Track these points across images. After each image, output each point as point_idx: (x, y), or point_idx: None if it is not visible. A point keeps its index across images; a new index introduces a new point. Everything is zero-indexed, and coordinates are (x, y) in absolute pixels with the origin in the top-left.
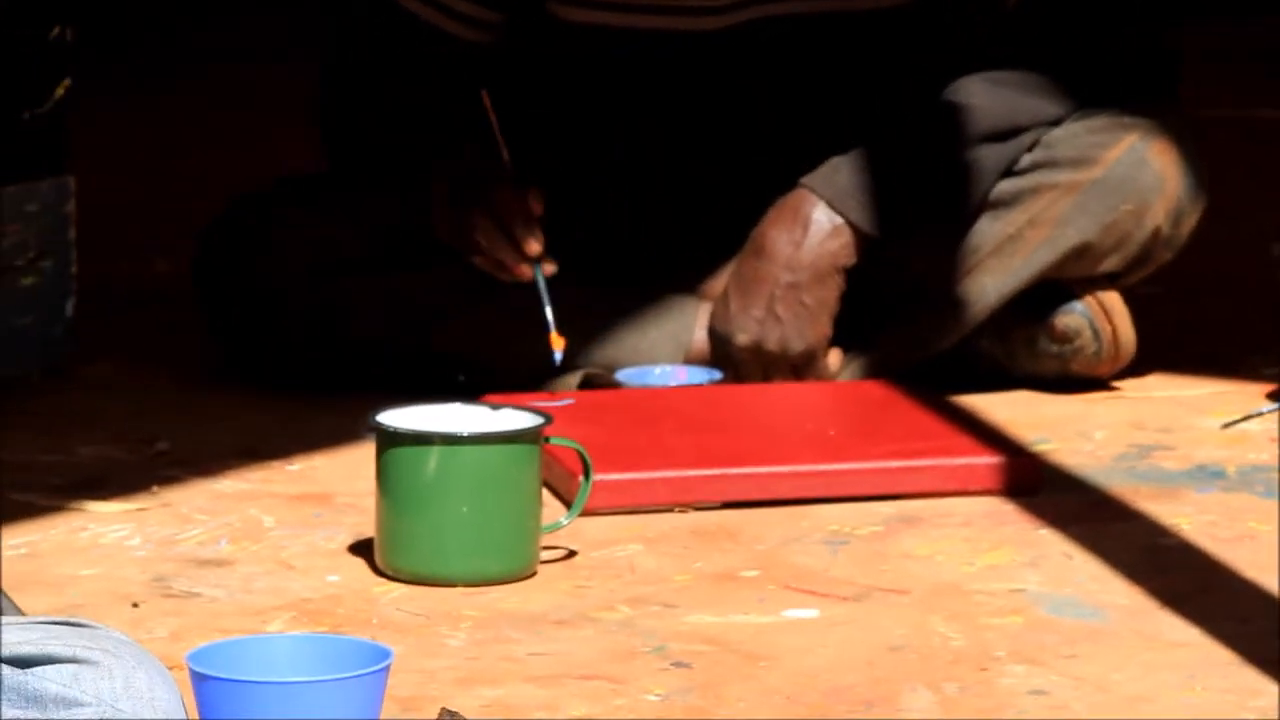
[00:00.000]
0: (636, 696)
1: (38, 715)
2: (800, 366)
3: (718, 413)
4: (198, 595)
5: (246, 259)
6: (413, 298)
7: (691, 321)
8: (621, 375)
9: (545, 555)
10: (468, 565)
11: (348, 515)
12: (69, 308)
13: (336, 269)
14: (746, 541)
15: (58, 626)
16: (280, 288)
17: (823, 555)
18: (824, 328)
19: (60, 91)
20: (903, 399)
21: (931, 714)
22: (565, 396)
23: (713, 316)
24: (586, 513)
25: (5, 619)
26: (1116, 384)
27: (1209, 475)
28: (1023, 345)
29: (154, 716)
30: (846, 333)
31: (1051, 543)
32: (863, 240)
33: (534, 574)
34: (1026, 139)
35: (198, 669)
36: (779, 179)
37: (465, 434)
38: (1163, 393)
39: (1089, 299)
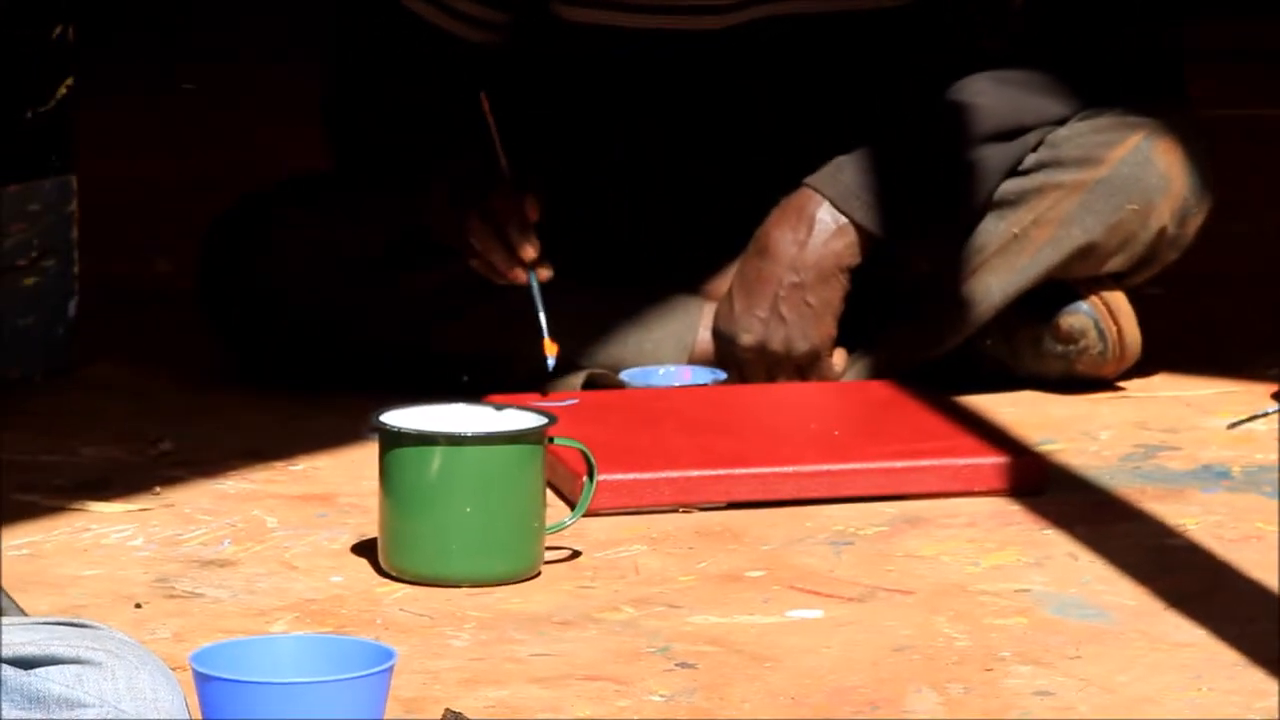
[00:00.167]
0: (641, 697)
1: (41, 716)
2: (804, 367)
3: (722, 413)
4: (201, 596)
5: (248, 259)
6: (415, 298)
7: (695, 322)
8: (625, 375)
9: (549, 556)
10: (471, 566)
11: (351, 516)
12: (71, 308)
13: (338, 269)
14: (751, 542)
15: (61, 627)
16: (282, 288)
17: (827, 556)
18: (828, 328)
19: (63, 91)
20: (907, 399)
21: (936, 715)
22: (569, 397)
23: (717, 316)
24: (590, 513)
25: (8, 620)
26: (1122, 384)
27: (1214, 475)
28: (1028, 345)
29: (157, 717)
30: (851, 333)
31: (1057, 543)
32: (867, 240)
33: (538, 574)
34: (1031, 138)
35: (201, 670)
36: (782, 178)
37: (469, 434)
38: (1168, 393)
39: (1094, 299)
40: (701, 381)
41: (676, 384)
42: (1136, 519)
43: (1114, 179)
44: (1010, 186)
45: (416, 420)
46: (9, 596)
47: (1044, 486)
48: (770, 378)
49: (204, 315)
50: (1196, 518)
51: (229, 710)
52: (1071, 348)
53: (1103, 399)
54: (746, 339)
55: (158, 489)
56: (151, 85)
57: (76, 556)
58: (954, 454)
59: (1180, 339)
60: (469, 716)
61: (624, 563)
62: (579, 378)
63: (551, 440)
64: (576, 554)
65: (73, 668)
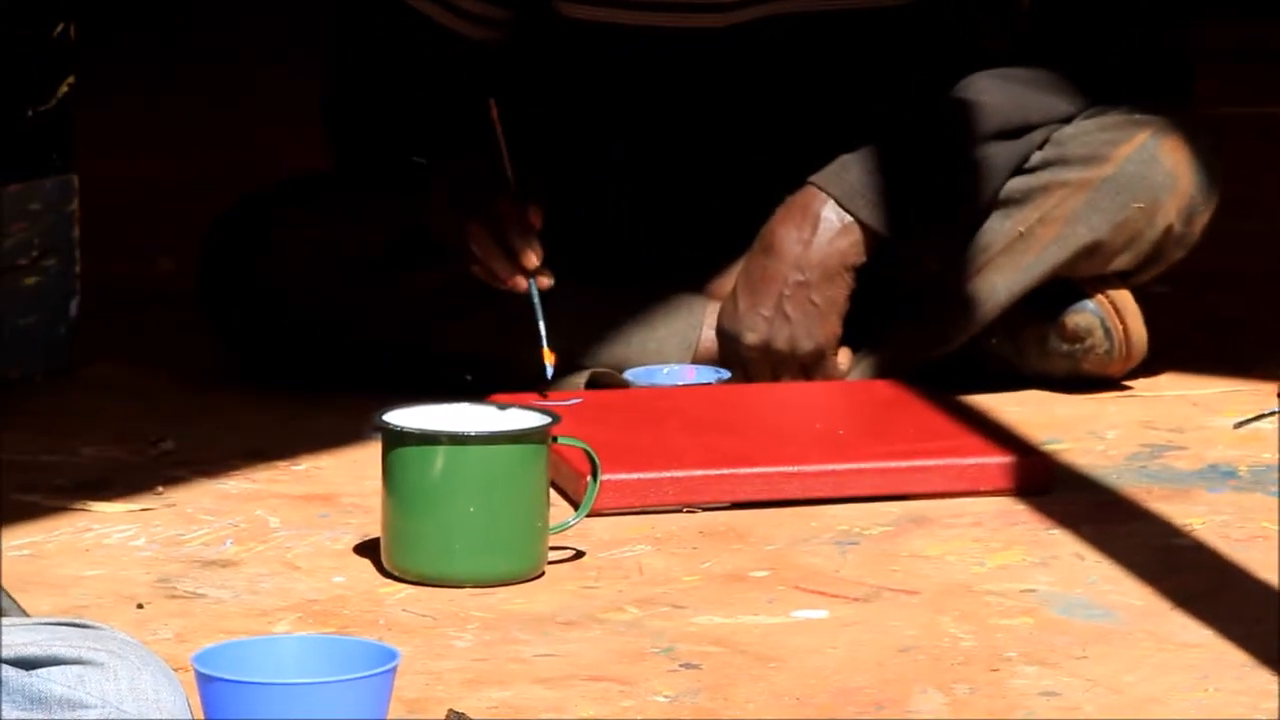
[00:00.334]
0: (645, 698)
1: (43, 717)
2: (809, 366)
3: (726, 412)
4: (203, 596)
5: (248, 259)
6: (416, 297)
7: (699, 320)
8: (629, 375)
9: (553, 556)
10: (475, 566)
11: (354, 516)
12: (73, 307)
13: (339, 269)
14: (755, 542)
15: (62, 628)
16: (282, 288)
17: (832, 556)
18: (833, 327)
19: (63, 90)
20: (912, 398)
21: (942, 715)
22: (572, 396)
23: (721, 315)
24: (594, 513)
25: (9, 620)
26: (1128, 383)
27: (1221, 475)
28: (1033, 344)
29: (159, 718)
30: (856, 332)
31: (1063, 543)
32: (872, 239)
33: (541, 574)
34: (1037, 136)
35: (203, 670)
36: (786, 177)
37: (472, 434)
38: (1174, 392)
39: (1100, 298)
40: (706, 381)
41: (680, 383)
42: (1143, 519)
43: (1120, 177)
44: (1016, 185)
45: (419, 420)
46: (10, 597)
47: (1050, 486)
48: (775, 377)
49: (204, 315)
50: (1203, 517)
51: (231, 711)
52: (1077, 346)
53: (1109, 398)
54: (751, 338)
55: (159, 489)
56: (151, 85)
57: (78, 557)
58: (959, 453)
59: (1186, 338)
60: (472, 717)
61: (628, 563)
62: (582, 377)
63: (555, 440)
64: (580, 554)
65: (75, 668)
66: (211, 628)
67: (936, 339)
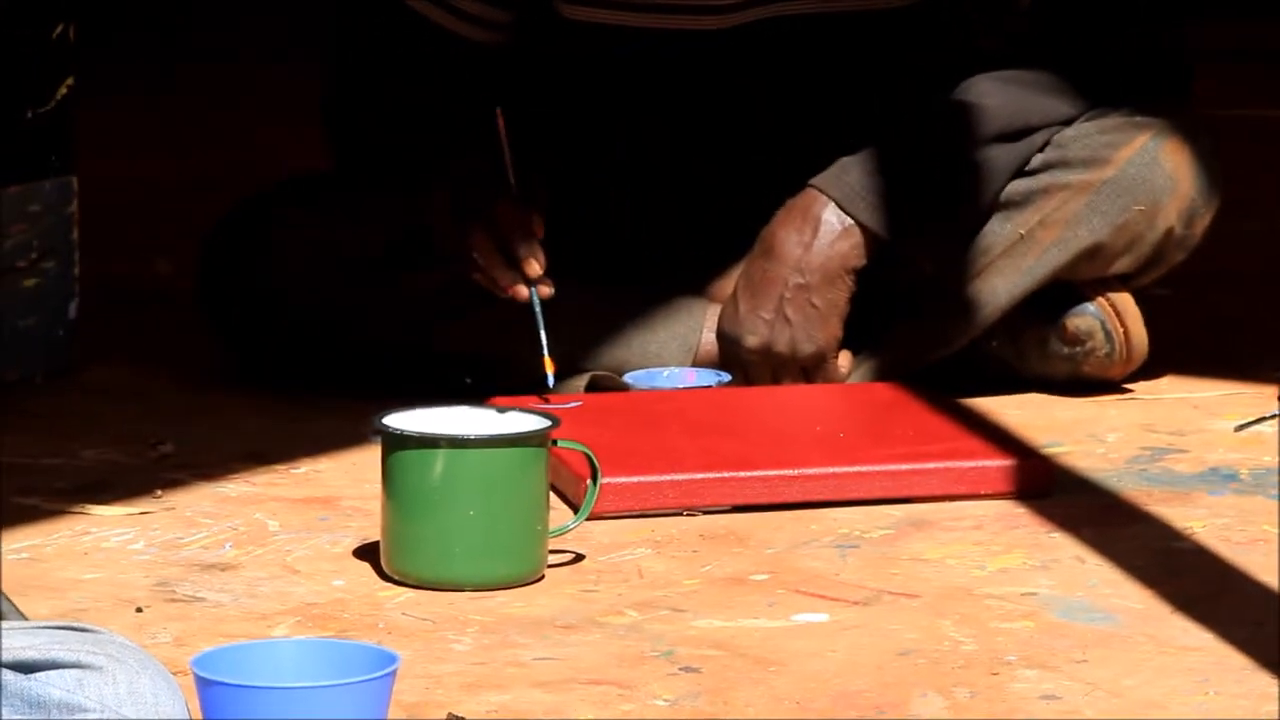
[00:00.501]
0: (645, 702)
1: None
2: (810, 369)
3: (726, 415)
4: (202, 600)
5: (249, 260)
6: (417, 298)
7: (700, 323)
8: (629, 377)
9: (552, 559)
10: (474, 569)
11: (353, 519)
12: (72, 309)
13: (339, 269)
14: (755, 545)
15: (61, 631)
16: (282, 288)
17: (832, 559)
18: (834, 329)
19: (63, 91)
20: (913, 401)
21: (942, 719)
22: (572, 399)
23: (721, 318)
24: (594, 516)
25: (8, 624)
26: (1128, 386)
27: (1222, 478)
28: (1034, 347)
29: None
30: (856, 335)
31: (1063, 546)
32: (873, 241)
33: (541, 578)
34: (1038, 139)
35: (202, 674)
36: (786, 179)
37: (472, 437)
38: (1175, 395)
39: (1101, 300)
40: (706, 383)
41: (681, 386)
42: (1143, 522)
43: (1121, 179)
44: (1017, 187)
45: (419, 423)
46: (9, 600)
47: (1050, 489)
48: (775, 380)
49: (205, 316)
50: (1204, 520)
51: (230, 714)
52: (1078, 349)
53: (1109, 401)
54: (751, 341)
55: (158, 492)
56: (151, 85)
57: (77, 560)
58: (960, 456)
59: (1187, 340)
60: None
61: (628, 566)
62: (582, 380)
63: (555, 443)
64: (580, 557)
65: (73, 672)
66: (210, 631)
67: (937, 342)
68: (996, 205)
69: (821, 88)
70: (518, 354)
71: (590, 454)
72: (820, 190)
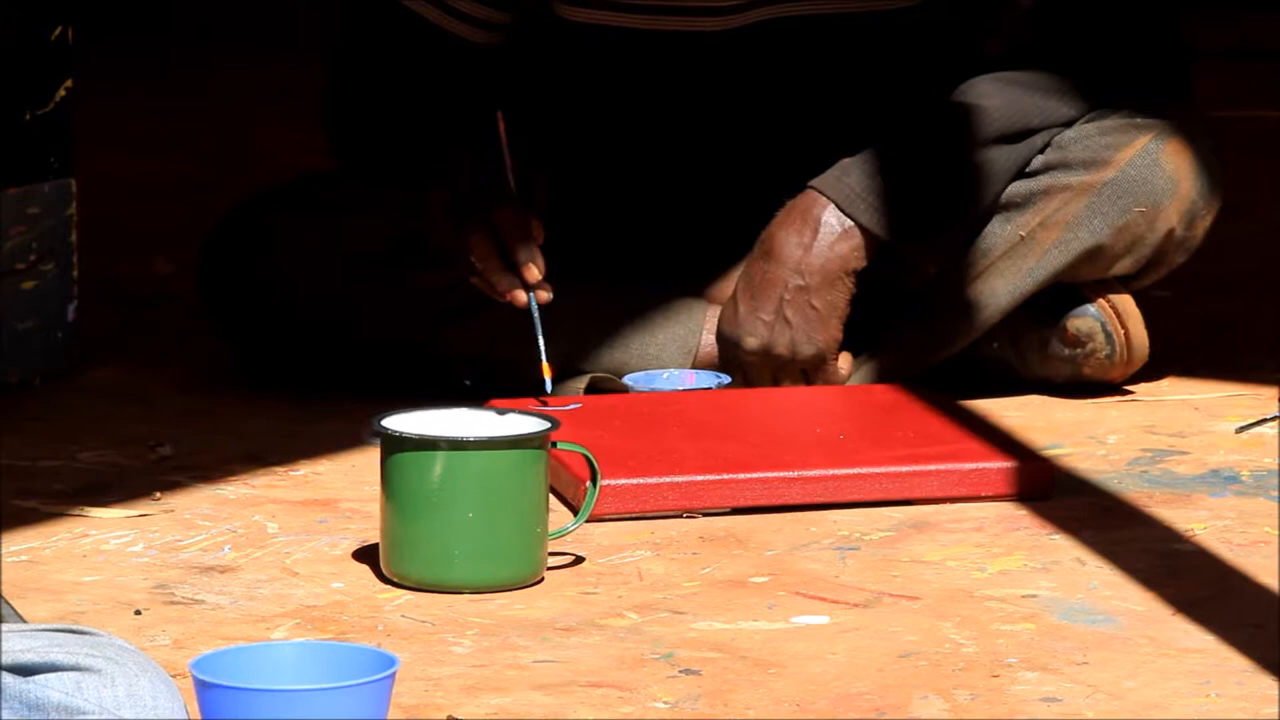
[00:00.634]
0: (645, 704)
1: None
2: (809, 370)
3: (726, 417)
4: (201, 602)
5: (250, 259)
6: (418, 299)
7: (699, 325)
8: (629, 379)
9: (552, 561)
10: (474, 571)
11: (352, 521)
12: (70, 312)
13: (340, 270)
14: (755, 547)
15: (60, 634)
16: (283, 288)
17: (832, 561)
18: (834, 331)
19: (61, 92)
20: (913, 403)
21: None
22: (572, 401)
23: (721, 320)
24: (594, 518)
25: (7, 627)
26: (1129, 387)
27: (1223, 480)
28: (1035, 349)
29: None
30: (856, 336)
31: (1064, 548)
32: (873, 243)
33: (541, 580)
34: (1038, 140)
35: (201, 677)
36: (787, 181)
37: (471, 439)
38: (1176, 396)
39: (1101, 302)
40: (705, 385)
41: (680, 388)
42: (1144, 524)
43: (1122, 181)
44: (1017, 189)
45: (418, 425)
46: (8, 603)
47: (1051, 491)
48: (775, 382)
49: (206, 315)
50: (1205, 522)
51: (230, 717)
52: (1079, 351)
53: (1110, 403)
54: (751, 342)
55: (158, 494)
56: (151, 85)
57: (76, 562)
58: (960, 458)
59: (1188, 342)
60: None
61: (627, 568)
62: (582, 381)
63: (554, 445)
64: (580, 560)
65: (72, 675)
66: (210, 634)
67: (937, 343)
68: (997, 207)
69: (821, 89)
70: (518, 356)
71: (590, 456)
72: (820, 192)
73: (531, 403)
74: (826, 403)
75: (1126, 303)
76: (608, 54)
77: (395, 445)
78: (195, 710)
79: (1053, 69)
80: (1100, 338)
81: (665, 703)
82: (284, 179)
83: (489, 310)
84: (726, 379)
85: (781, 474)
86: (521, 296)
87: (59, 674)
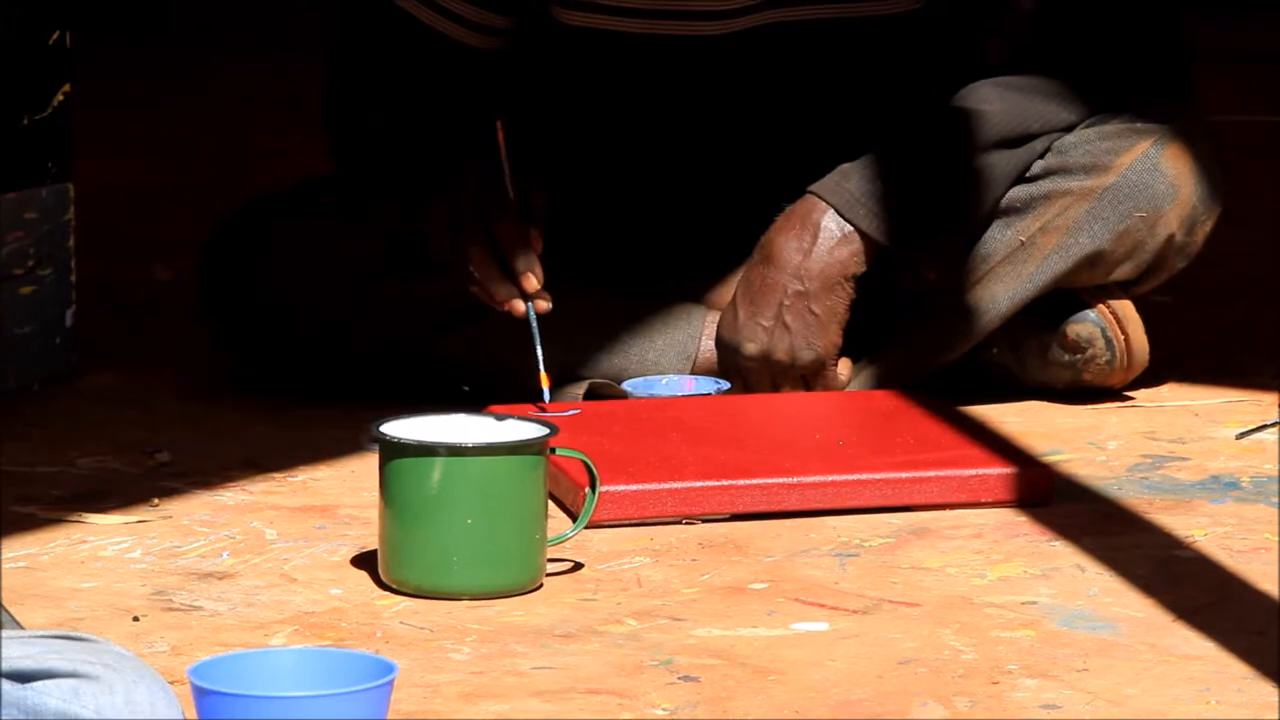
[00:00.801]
0: (644, 711)
1: None
2: (809, 376)
3: (725, 423)
4: (199, 609)
5: (249, 266)
6: (418, 305)
7: (698, 330)
8: (628, 385)
9: (551, 568)
10: (472, 578)
11: (351, 527)
12: (68, 317)
13: (339, 275)
14: (755, 554)
15: (58, 640)
16: (282, 293)
17: (832, 567)
18: (833, 337)
19: (60, 97)
20: (913, 409)
21: None
22: (571, 407)
23: (720, 325)
24: (593, 524)
25: (5, 633)
26: (1129, 393)
27: (1223, 486)
28: (1034, 354)
29: None
30: (856, 342)
31: (1064, 555)
32: (872, 248)
33: (540, 587)
34: (1039, 145)
35: (199, 683)
36: (786, 186)
37: (470, 445)
38: (1176, 402)
39: (1101, 307)
40: (705, 391)
41: (679, 394)
42: (1144, 530)
43: (1122, 186)
44: (1017, 194)
45: (417, 431)
46: (6, 610)
47: (1051, 497)
48: (774, 387)
49: (205, 317)
50: (1205, 529)
51: None
52: (1079, 357)
53: (1110, 409)
54: (750, 348)
55: (156, 500)
56: (151, 86)
57: (74, 569)
58: (960, 464)
59: (1189, 348)
60: None
61: (626, 575)
62: (581, 387)
63: (553, 451)
64: (579, 566)
65: (70, 681)
66: (208, 640)
67: (937, 349)
68: (997, 212)
69: (820, 94)
70: (517, 362)
71: (589, 462)
72: (820, 197)
73: (530, 408)
74: (826, 408)
75: (1127, 308)
76: (606, 59)
77: (394, 451)
78: (193, 717)
79: (1053, 73)
80: (1100, 343)
81: (664, 709)
82: (284, 183)
83: (488, 316)
84: (726, 385)
85: (781, 480)
86: (520, 306)
87: (57, 681)
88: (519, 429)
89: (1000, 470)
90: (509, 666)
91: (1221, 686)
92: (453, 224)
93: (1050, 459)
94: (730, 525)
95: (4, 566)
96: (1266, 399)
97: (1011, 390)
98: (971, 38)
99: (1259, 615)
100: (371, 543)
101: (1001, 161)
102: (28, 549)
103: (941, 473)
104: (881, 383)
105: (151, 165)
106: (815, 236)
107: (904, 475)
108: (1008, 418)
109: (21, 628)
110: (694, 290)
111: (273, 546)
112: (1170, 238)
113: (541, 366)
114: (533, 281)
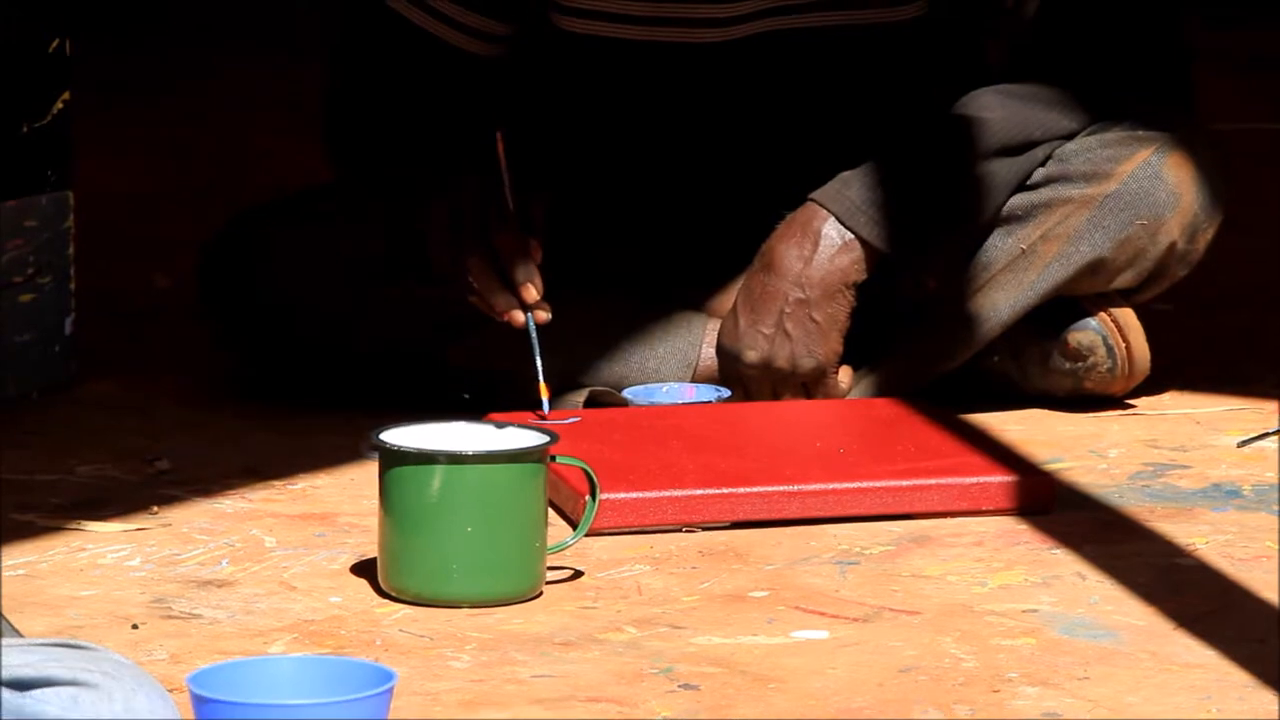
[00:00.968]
0: (644, 719)
1: None
2: (810, 384)
3: (726, 431)
4: (198, 616)
5: (249, 272)
6: (418, 312)
7: (699, 338)
8: (628, 393)
9: (551, 576)
10: (472, 586)
11: (350, 535)
12: (68, 325)
13: (339, 282)
14: (755, 562)
15: (57, 648)
16: (283, 301)
17: (832, 575)
18: (834, 344)
19: (59, 105)
20: (914, 417)
21: None
22: (571, 415)
23: (721, 333)
24: (593, 532)
25: (4, 641)
26: (1131, 401)
27: (1225, 494)
28: (1036, 362)
29: None
30: (857, 350)
31: (1065, 563)
32: (873, 256)
33: (539, 595)
34: (1040, 153)
35: (198, 691)
36: (787, 193)
37: (470, 453)
38: (1177, 410)
39: (1103, 315)
40: (705, 399)
41: (680, 402)
42: (1145, 538)
43: (1123, 194)
44: (1018, 202)
45: (417, 439)
46: (5, 618)
47: (1052, 505)
48: (775, 395)
49: (205, 327)
50: (1206, 537)
51: None
52: (1080, 365)
53: (1111, 417)
54: (751, 356)
55: (155, 508)
56: (151, 88)
57: (73, 577)
58: (961, 472)
59: (1190, 356)
60: None
61: (627, 583)
62: (581, 395)
63: (553, 459)
64: (579, 574)
65: (69, 690)
66: (207, 648)
67: (938, 357)
68: (998, 220)
69: (821, 101)
70: (517, 370)
71: (589, 470)
72: (820, 204)
73: (530, 417)
74: (826, 416)
75: (1128, 316)
76: (607, 65)
77: (394, 459)
78: None
79: (1055, 80)
80: (1101, 351)
81: (664, 717)
82: (284, 183)
83: (489, 324)
84: (726, 393)
85: (781, 488)
86: (519, 317)
87: (56, 689)
88: (519, 437)
89: (1001, 478)
90: (509, 674)
91: (1223, 695)
92: (453, 229)
93: (1051, 467)
94: (730, 533)
95: (3, 574)
96: (1268, 407)
97: (1012, 398)
98: (972, 45)
99: (1260, 623)
100: (371, 550)
101: (1002, 169)
102: (27, 557)
103: (942, 481)
104: (882, 390)
105: (151, 166)
106: (816, 244)
107: (905, 483)
108: (1009, 426)
109: (21, 636)
110: (695, 298)
111: (272, 554)
112: (1172, 246)
113: (541, 377)
114: (532, 292)
